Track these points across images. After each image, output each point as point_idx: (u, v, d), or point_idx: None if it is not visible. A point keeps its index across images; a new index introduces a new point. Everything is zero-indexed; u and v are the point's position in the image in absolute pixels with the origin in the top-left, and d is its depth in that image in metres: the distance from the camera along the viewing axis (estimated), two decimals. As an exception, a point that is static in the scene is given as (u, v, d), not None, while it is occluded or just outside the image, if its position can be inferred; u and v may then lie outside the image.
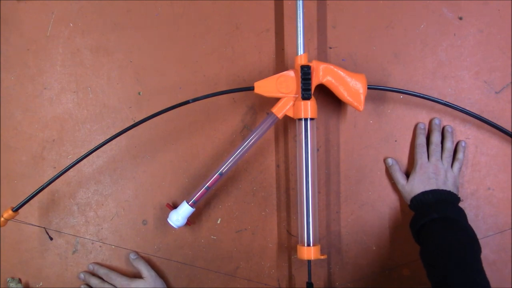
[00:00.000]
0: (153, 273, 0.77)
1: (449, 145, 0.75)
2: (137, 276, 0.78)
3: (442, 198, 0.70)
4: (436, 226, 0.66)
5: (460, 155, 0.75)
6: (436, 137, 0.75)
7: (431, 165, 0.73)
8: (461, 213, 0.69)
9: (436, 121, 0.76)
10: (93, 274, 0.79)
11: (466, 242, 0.64)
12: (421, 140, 0.75)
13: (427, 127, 0.77)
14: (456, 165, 0.74)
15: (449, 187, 0.72)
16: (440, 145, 0.75)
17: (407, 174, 0.76)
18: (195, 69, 0.79)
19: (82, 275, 0.79)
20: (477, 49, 0.77)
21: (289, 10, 0.78)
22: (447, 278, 0.60)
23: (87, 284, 0.79)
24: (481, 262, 0.62)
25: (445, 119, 0.77)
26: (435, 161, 0.73)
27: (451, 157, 0.75)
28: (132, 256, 0.78)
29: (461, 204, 0.72)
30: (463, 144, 0.76)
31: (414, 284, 0.77)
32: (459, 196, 0.72)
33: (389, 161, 0.77)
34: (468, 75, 0.77)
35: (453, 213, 0.68)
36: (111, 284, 0.77)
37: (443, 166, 0.73)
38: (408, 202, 0.74)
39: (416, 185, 0.72)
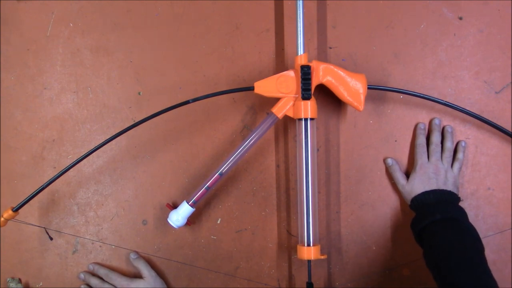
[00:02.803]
0: (153, 273, 0.77)
1: (449, 145, 0.75)
2: (137, 276, 0.78)
3: (443, 198, 0.70)
4: (438, 227, 0.66)
5: (460, 155, 0.75)
6: (436, 137, 0.75)
7: (431, 165, 0.73)
8: (463, 213, 0.69)
9: (436, 121, 0.76)
10: (93, 274, 0.79)
11: (470, 243, 0.64)
12: (421, 140, 0.75)
13: (427, 127, 0.77)
14: (456, 165, 0.74)
15: (449, 187, 0.72)
16: (440, 145, 0.75)
17: (407, 174, 0.76)
18: (195, 69, 0.79)
19: (82, 275, 0.79)
20: (477, 49, 0.77)
21: (289, 10, 0.78)
22: (453, 280, 0.59)
23: (87, 284, 0.79)
24: (486, 261, 0.63)
25: (445, 119, 0.77)
26: (435, 161, 0.73)
27: (451, 157, 0.75)
28: (132, 256, 0.78)
29: (461, 204, 0.72)
30: (463, 144, 0.76)
31: (414, 284, 0.77)
32: (459, 196, 0.72)
33: (389, 161, 0.77)
34: (468, 75, 0.77)
35: (454, 213, 0.68)
36: (111, 284, 0.77)
37: (443, 166, 0.73)
38: (409, 202, 0.74)
39: (416, 185, 0.72)
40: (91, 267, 0.79)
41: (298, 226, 0.72)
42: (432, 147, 0.74)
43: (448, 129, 0.76)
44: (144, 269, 0.77)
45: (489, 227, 0.77)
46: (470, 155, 0.77)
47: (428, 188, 0.71)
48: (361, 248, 0.78)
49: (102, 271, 0.78)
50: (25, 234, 0.80)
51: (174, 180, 0.79)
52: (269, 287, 0.79)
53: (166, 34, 0.79)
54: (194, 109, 0.79)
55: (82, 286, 0.78)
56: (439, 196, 0.70)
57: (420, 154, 0.74)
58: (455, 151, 0.76)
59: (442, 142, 0.75)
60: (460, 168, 0.75)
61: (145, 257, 0.79)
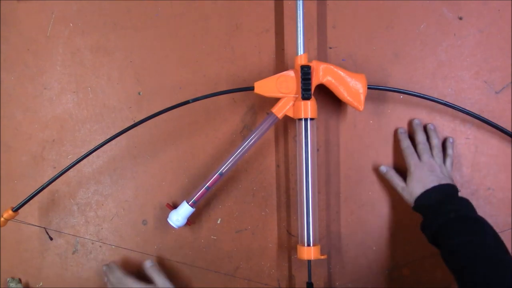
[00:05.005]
0: (165, 281, 0.72)
1: (436, 142, 0.74)
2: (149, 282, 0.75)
3: (445, 193, 0.69)
4: (453, 227, 0.65)
5: (449, 151, 0.75)
6: (421, 137, 0.74)
7: (424, 164, 0.72)
8: (468, 205, 0.69)
9: (416, 121, 0.76)
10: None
11: (491, 239, 0.63)
12: (407, 142, 0.75)
13: (406, 129, 0.77)
14: (448, 160, 0.74)
15: (447, 181, 0.71)
16: (427, 143, 0.74)
17: (405, 176, 0.76)
18: (195, 69, 0.79)
19: (105, 268, 0.76)
20: (477, 49, 0.77)
21: (289, 10, 0.78)
22: (481, 280, 0.58)
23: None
24: (509, 252, 0.62)
25: (445, 119, 0.77)
26: (427, 159, 0.72)
27: (441, 152, 0.74)
28: (148, 264, 0.75)
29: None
30: (450, 141, 0.75)
31: (414, 284, 0.77)
32: (457, 187, 0.72)
33: (383, 168, 0.76)
34: (468, 75, 0.77)
35: (465, 210, 0.67)
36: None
37: (436, 162, 0.73)
38: (412, 204, 0.73)
39: (415, 186, 0.72)
40: (104, 268, 0.76)
41: (298, 226, 0.72)
42: (420, 146, 0.74)
43: (430, 127, 0.75)
44: (156, 277, 0.73)
45: (489, 227, 0.77)
46: (470, 155, 0.77)
47: (428, 187, 0.71)
48: (361, 248, 0.78)
49: (117, 274, 0.74)
50: (25, 234, 0.80)
51: (174, 180, 0.79)
52: (269, 287, 0.79)
53: (166, 34, 0.79)
54: (194, 109, 0.79)
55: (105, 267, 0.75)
56: (440, 192, 0.70)
57: (410, 156, 0.73)
58: (445, 148, 0.76)
59: (428, 141, 0.75)
60: (452, 164, 0.75)
61: (145, 258, 0.79)
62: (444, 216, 0.67)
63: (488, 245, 0.63)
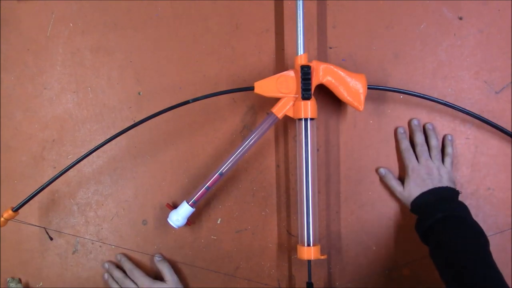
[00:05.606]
0: (175, 278, 0.77)
1: (434, 143, 0.74)
2: (158, 277, 0.78)
3: (441, 195, 0.70)
4: (441, 225, 0.66)
5: (449, 149, 0.75)
6: (419, 138, 0.75)
7: (422, 166, 0.73)
8: (464, 208, 0.69)
9: (415, 122, 0.76)
10: (118, 266, 0.79)
11: (475, 238, 0.64)
12: (405, 144, 0.75)
13: (406, 130, 0.77)
14: (448, 160, 0.74)
15: (445, 183, 0.71)
16: (425, 145, 0.75)
17: (402, 179, 0.76)
18: (195, 69, 0.79)
19: (106, 265, 0.78)
20: (477, 49, 0.77)
21: (289, 10, 0.78)
22: (464, 276, 0.59)
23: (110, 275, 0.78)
24: (490, 254, 0.63)
25: (445, 119, 0.77)
26: (425, 161, 0.73)
27: (440, 153, 0.75)
28: (157, 257, 0.78)
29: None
30: (449, 138, 0.75)
31: (414, 284, 0.77)
32: (457, 189, 0.72)
33: (382, 171, 0.76)
34: (468, 75, 0.77)
35: (456, 210, 0.68)
36: (132, 280, 0.76)
37: (434, 164, 0.73)
38: (409, 207, 0.74)
39: (413, 189, 0.72)
40: (118, 257, 0.79)
41: (298, 226, 0.72)
42: (418, 148, 0.74)
43: (429, 126, 0.75)
44: (167, 273, 0.76)
45: (489, 227, 0.77)
46: (470, 155, 0.77)
47: (425, 189, 0.71)
48: (361, 248, 0.78)
49: (127, 265, 0.77)
50: (25, 234, 0.80)
51: (174, 180, 0.79)
52: (269, 287, 0.79)
53: (166, 34, 0.79)
54: (194, 109, 0.79)
55: (105, 275, 0.78)
56: (437, 194, 0.70)
57: (408, 158, 0.74)
58: (444, 146, 0.76)
59: (426, 141, 0.75)
60: (452, 162, 0.75)
61: (143, 258, 0.79)
62: (436, 214, 0.67)
63: (469, 244, 0.64)
